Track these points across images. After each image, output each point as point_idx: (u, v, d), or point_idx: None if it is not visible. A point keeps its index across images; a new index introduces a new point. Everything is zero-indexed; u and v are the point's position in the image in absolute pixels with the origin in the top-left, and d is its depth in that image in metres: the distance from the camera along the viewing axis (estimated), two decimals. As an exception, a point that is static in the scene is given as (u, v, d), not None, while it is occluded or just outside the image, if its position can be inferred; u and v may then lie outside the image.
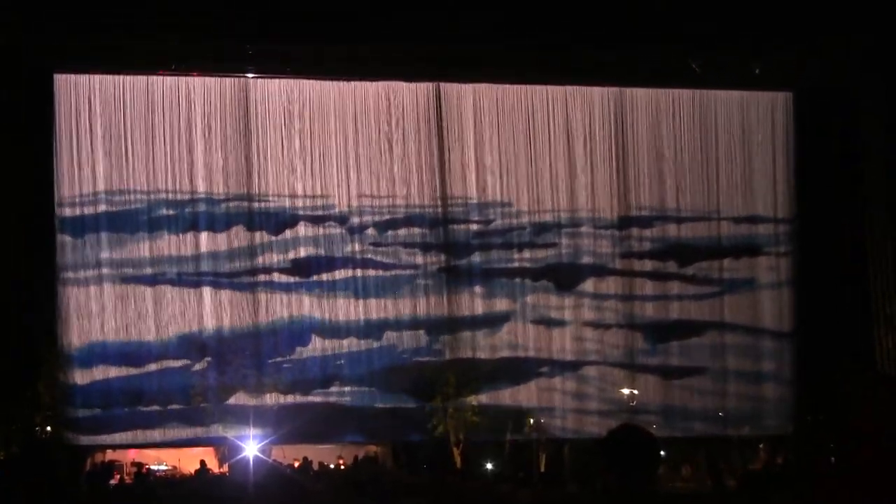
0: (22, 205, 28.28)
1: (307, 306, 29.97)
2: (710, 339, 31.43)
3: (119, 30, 26.87)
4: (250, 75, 29.96)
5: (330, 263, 30.33)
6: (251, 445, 27.26)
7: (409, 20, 26.76)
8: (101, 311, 28.98)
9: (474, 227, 30.94)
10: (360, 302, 30.22)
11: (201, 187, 29.82)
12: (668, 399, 30.96)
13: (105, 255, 29.17)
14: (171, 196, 29.67)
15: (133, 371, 28.89)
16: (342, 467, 28.74)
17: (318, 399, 29.72)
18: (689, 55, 29.56)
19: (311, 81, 30.33)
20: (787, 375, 31.17)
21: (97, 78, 29.44)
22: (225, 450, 29.11)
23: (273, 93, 30.23)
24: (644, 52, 28.85)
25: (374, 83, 30.51)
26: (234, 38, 27.90)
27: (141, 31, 26.95)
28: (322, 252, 30.32)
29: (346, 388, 29.86)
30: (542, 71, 30.37)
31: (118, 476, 26.40)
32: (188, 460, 28.78)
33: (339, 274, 30.32)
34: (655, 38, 27.55)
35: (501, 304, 30.84)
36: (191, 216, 29.78)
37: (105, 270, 29.14)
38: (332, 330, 30.01)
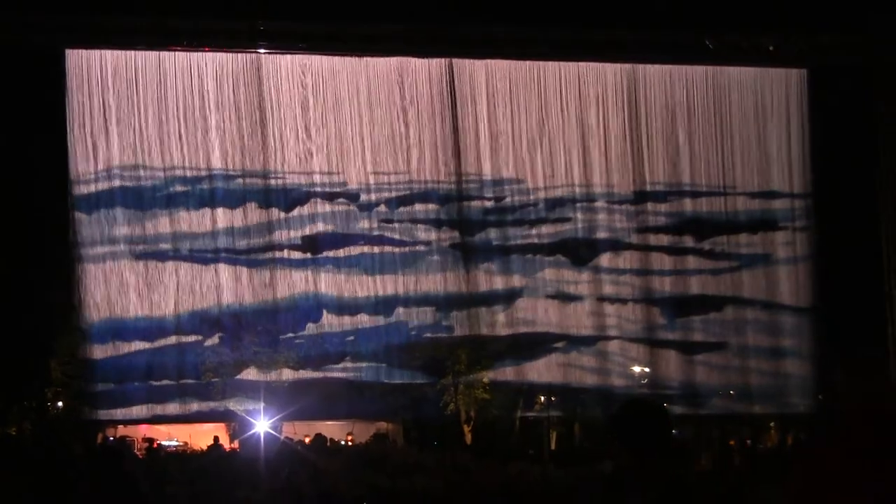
0: (37, 181, 28.29)
1: (320, 283, 29.92)
2: (727, 315, 31.21)
3: (130, 5, 26.80)
4: (262, 51, 29.78)
5: (343, 240, 30.28)
6: (262, 421, 27.27)
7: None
8: (116, 287, 28.98)
9: (488, 203, 30.82)
10: (373, 278, 30.15)
11: (215, 163, 29.76)
12: (683, 375, 30.77)
13: (120, 231, 29.17)
14: (185, 172, 29.62)
15: (146, 346, 28.90)
16: (351, 444, 28.76)
17: (329, 375, 29.73)
18: (703, 32, 29.32)
19: (324, 58, 30.17)
20: (804, 352, 30.93)
21: (109, 53, 29.27)
22: (236, 426, 29.13)
23: (286, 69, 30.09)
24: (658, 29, 28.64)
25: (387, 59, 30.34)
26: (246, 14, 27.77)
27: (152, 7, 26.86)
28: (335, 228, 30.27)
29: (358, 365, 29.87)
30: (554, 47, 30.14)
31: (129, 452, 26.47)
32: (199, 436, 28.83)
33: (353, 250, 30.27)
34: (669, 15, 27.37)
35: (515, 280, 30.73)
36: (204, 192, 29.72)
37: (120, 247, 29.14)
38: (344, 306, 29.98)
